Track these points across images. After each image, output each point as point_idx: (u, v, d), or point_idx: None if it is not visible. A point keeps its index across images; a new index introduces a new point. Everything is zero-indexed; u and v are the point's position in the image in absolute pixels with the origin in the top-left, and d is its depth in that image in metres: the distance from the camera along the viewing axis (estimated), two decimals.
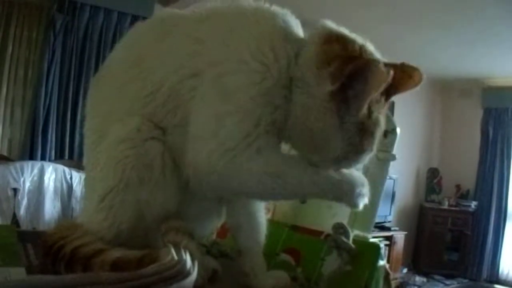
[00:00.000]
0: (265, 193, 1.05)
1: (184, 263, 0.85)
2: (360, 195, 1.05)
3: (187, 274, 0.85)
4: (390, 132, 1.44)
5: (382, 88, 0.96)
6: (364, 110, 0.98)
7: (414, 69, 1.03)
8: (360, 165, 1.08)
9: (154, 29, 1.16)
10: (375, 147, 1.04)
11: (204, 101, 1.02)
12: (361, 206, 1.06)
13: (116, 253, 0.91)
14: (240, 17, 1.07)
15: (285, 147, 1.11)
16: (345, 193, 1.04)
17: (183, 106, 1.04)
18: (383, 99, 1.03)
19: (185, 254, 0.86)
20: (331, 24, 1.04)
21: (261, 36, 1.02)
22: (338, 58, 0.97)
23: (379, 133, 1.03)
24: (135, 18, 5.05)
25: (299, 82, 1.01)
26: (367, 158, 1.05)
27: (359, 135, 1.00)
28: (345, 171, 1.05)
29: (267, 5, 1.09)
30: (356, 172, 1.07)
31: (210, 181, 1.01)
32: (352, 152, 1.01)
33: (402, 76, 1.01)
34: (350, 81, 0.95)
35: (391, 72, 0.94)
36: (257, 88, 0.98)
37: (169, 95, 1.04)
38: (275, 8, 1.08)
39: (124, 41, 1.21)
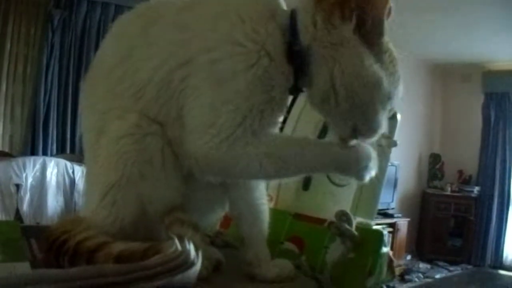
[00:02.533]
0: (269, 174, 1.06)
1: (188, 253, 0.85)
2: (366, 168, 1.07)
3: (191, 264, 0.85)
4: (390, 118, 1.44)
5: (389, 3, 1.00)
6: (385, 39, 1.03)
7: None
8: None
9: (138, 21, 1.14)
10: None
11: (198, 91, 1.02)
12: (367, 179, 1.08)
13: (120, 246, 0.91)
14: (225, 1, 1.07)
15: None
16: (350, 166, 1.06)
17: (176, 97, 1.04)
18: None
19: (189, 244, 0.86)
20: None
21: (250, 16, 1.02)
22: (337, 4, 1.01)
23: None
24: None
25: (316, 48, 1.02)
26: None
27: (392, 63, 1.05)
28: (353, 143, 1.07)
29: None
30: (364, 145, 1.08)
31: (212, 171, 1.03)
32: (393, 82, 1.04)
33: None
34: (362, 13, 0.99)
35: None
36: (254, 69, 0.99)
37: (160, 88, 1.04)
38: None
39: (110, 36, 1.19)
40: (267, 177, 1.12)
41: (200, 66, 1.01)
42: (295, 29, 1.03)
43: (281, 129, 1.20)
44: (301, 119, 1.47)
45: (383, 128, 1.08)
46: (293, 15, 1.05)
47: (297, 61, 1.04)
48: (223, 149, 0.99)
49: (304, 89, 1.09)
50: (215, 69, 1.00)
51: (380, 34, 1.02)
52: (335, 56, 1.01)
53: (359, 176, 1.07)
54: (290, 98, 1.14)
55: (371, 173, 1.08)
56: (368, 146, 1.09)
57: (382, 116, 1.06)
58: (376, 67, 1.01)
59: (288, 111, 1.24)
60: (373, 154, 1.08)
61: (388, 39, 1.04)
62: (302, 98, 1.18)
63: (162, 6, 1.14)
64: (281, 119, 1.13)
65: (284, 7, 1.09)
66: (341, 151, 1.05)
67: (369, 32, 1.00)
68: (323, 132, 1.40)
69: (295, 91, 1.09)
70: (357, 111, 1.04)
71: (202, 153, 1.00)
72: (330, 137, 1.19)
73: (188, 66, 1.02)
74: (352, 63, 1.00)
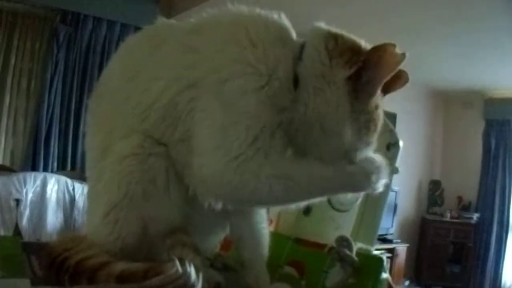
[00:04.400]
0: (278, 198, 1.04)
1: (188, 275, 0.85)
2: (378, 180, 1.05)
3: (192, 286, 0.85)
4: (393, 145, 1.45)
5: (395, 71, 0.99)
6: (373, 101, 1.02)
7: (400, 70, 1.04)
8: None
9: (146, 42, 1.15)
10: (374, 144, 1.07)
11: (206, 113, 1.01)
12: (381, 189, 1.06)
13: (121, 266, 0.91)
14: (237, 24, 1.06)
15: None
16: (360, 183, 1.05)
17: (182, 119, 1.03)
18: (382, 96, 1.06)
19: (190, 267, 0.87)
20: (325, 25, 1.08)
21: (262, 41, 1.02)
22: (351, 49, 1.01)
23: (379, 130, 1.06)
24: (138, 30, 5.04)
25: (309, 77, 1.02)
26: (368, 152, 1.06)
27: (366, 126, 1.03)
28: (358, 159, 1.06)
29: (260, 10, 1.10)
30: (370, 157, 1.07)
31: (220, 193, 1.02)
32: (360, 143, 1.03)
33: (392, 78, 1.02)
34: (364, 68, 0.99)
35: (405, 55, 0.97)
36: (265, 90, 0.99)
37: (166, 109, 1.04)
38: (271, 13, 1.10)
39: (118, 56, 1.20)
40: (276, 201, 1.09)
41: (208, 87, 1.01)
42: (299, 61, 1.04)
43: None
44: None
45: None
46: (303, 46, 1.05)
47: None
48: (232, 169, 0.97)
49: None
50: (224, 89, 0.99)
51: (370, 95, 1.02)
52: (319, 91, 1.01)
53: (373, 190, 1.05)
54: None
55: (383, 182, 1.06)
56: (375, 156, 1.07)
57: (339, 161, 1.05)
58: (344, 119, 1.01)
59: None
60: (381, 162, 1.07)
61: (379, 105, 1.04)
62: None
63: (171, 28, 1.15)
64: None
65: (294, 36, 1.10)
66: (350, 171, 1.04)
67: (360, 88, 1.00)
68: None
69: None
70: (313, 150, 1.05)
71: (210, 174, 0.99)
72: None
73: (195, 88, 1.02)
74: (326, 103, 1.00)
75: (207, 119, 1.01)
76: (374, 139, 1.06)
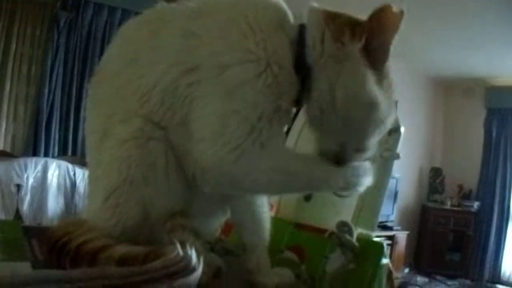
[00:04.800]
0: (277, 189, 1.08)
1: (189, 259, 0.85)
2: (363, 184, 1.08)
3: (193, 270, 0.85)
4: (394, 131, 1.44)
5: (399, 28, 1.01)
6: (388, 63, 1.05)
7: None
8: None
9: (146, 26, 1.14)
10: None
11: (206, 100, 1.01)
12: (362, 190, 1.10)
13: (122, 249, 0.91)
14: (236, 9, 1.07)
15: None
16: (351, 184, 1.07)
17: (181, 103, 1.03)
18: None
19: (191, 250, 0.87)
20: (319, 5, 1.09)
21: (260, 26, 1.02)
22: (349, 24, 1.03)
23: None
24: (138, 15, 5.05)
25: (323, 60, 1.03)
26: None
27: (390, 90, 1.05)
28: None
29: None
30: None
31: (219, 182, 1.02)
32: (390, 108, 1.05)
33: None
34: (371, 35, 1.01)
35: (403, 12, 1.00)
36: (263, 77, 0.99)
37: (165, 92, 1.04)
38: None
39: (117, 40, 1.19)
40: (274, 191, 1.12)
41: (208, 72, 1.01)
42: (303, 44, 1.04)
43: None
44: (304, 132, 1.47)
45: (371, 152, 1.09)
46: (301, 29, 1.05)
47: (302, 75, 1.04)
48: (232, 160, 0.98)
49: (304, 103, 1.09)
50: (223, 76, 0.99)
51: (385, 58, 1.03)
52: (340, 71, 1.02)
53: (356, 191, 1.10)
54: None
55: (368, 183, 1.09)
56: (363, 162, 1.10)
57: (372, 140, 1.07)
58: (376, 90, 1.01)
59: (290, 124, 1.24)
60: (368, 168, 1.10)
61: (389, 65, 1.06)
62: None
63: (170, 13, 1.15)
64: (285, 130, 1.14)
65: (292, 20, 1.10)
66: (345, 169, 1.06)
67: (375, 55, 1.01)
68: None
69: (297, 104, 1.10)
70: (349, 129, 1.04)
71: (210, 163, 0.99)
72: None
73: (195, 72, 1.02)
74: (354, 81, 1.01)
75: (207, 105, 1.01)
76: (393, 100, 1.08)
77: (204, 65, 1.02)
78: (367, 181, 1.08)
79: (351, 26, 1.02)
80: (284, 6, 1.10)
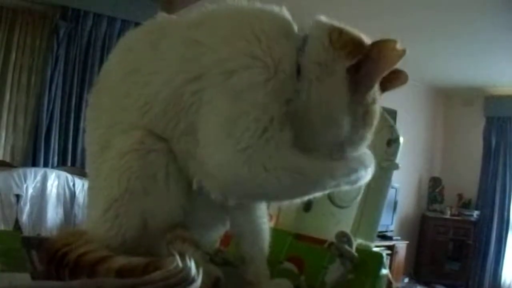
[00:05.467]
0: (285, 191, 1.05)
1: (188, 270, 0.85)
2: (370, 173, 1.10)
3: (192, 281, 0.85)
4: (393, 141, 1.45)
5: (394, 66, 1.00)
6: (370, 95, 1.03)
7: (400, 70, 1.06)
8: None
9: (146, 36, 1.14)
10: (369, 139, 1.08)
11: (212, 106, 1.00)
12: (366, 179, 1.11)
13: (121, 260, 0.91)
14: (240, 18, 1.06)
15: None
16: (359, 177, 1.08)
17: (186, 112, 1.02)
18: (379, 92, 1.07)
19: (190, 262, 0.87)
20: (327, 19, 1.08)
21: (266, 34, 1.02)
22: (353, 41, 1.02)
23: (375, 125, 1.07)
24: (138, 26, 5.06)
25: (311, 66, 1.02)
26: (363, 148, 1.09)
27: (363, 119, 1.04)
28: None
29: (261, 4, 1.10)
30: (364, 152, 1.10)
31: (227, 185, 1.00)
32: (355, 136, 1.05)
33: (390, 76, 1.04)
34: (364, 60, 0.99)
35: (405, 51, 0.98)
36: (272, 82, 0.98)
37: (168, 102, 1.03)
38: (272, 7, 1.09)
39: (117, 51, 1.19)
40: (283, 194, 1.08)
41: (214, 79, 1.00)
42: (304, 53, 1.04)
43: None
44: None
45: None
46: (304, 39, 1.05)
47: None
48: (240, 160, 0.97)
49: None
50: (231, 81, 0.98)
51: (368, 88, 1.02)
52: (321, 80, 1.01)
53: (360, 179, 1.10)
54: None
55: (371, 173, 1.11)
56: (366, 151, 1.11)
57: (328, 148, 1.07)
58: (343, 110, 1.01)
59: None
60: (372, 158, 1.12)
61: (376, 100, 1.05)
62: None
63: (171, 23, 1.15)
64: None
65: (296, 29, 1.10)
66: (352, 166, 1.07)
67: (359, 80, 1.00)
68: None
69: None
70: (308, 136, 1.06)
71: (217, 166, 0.98)
72: None
73: (200, 80, 1.01)
74: (327, 92, 1.01)
75: (214, 111, 1.00)
76: (369, 134, 1.07)
77: (210, 73, 1.01)
78: (369, 169, 1.09)
79: (355, 45, 1.02)
80: (289, 17, 1.10)
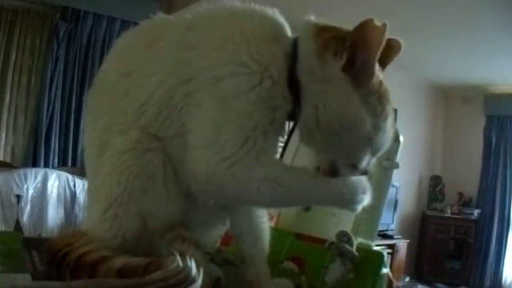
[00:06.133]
0: (264, 200, 1.07)
1: (189, 270, 0.85)
2: (360, 201, 1.07)
3: (192, 281, 0.85)
4: (393, 140, 1.45)
5: (383, 43, 0.98)
6: (376, 78, 1.02)
7: (390, 40, 1.05)
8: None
9: (142, 38, 1.15)
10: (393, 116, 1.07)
11: (201, 109, 1.02)
12: (359, 210, 1.08)
13: (121, 260, 0.91)
14: (231, 21, 1.07)
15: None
16: (346, 201, 1.07)
17: (177, 114, 1.04)
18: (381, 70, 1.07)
19: (190, 261, 0.87)
20: (314, 18, 1.08)
21: (255, 38, 1.03)
22: (335, 39, 1.02)
23: (391, 100, 1.06)
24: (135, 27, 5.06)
25: (308, 77, 1.03)
26: (391, 132, 1.08)
27: (380, 103, 1.03)
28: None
29: (256, 6, 1.10)
30: (358, 178, 1.08)
31: (210, 190, 1.03)
32: (379, 121, 1.04)
33: (384, 51, 1.02)
34: (354, 52, 0.99)
35: (386, 25, 0.96)
36: (257, 90, 0.99)
37: (161, 104, 1.04)
38: (265, 9, 1.10)
39: (114, 52, 1.20)
40: (263, 202, 1.11)
41: (204, 83, 1.02)
42: (295, 57, 1.05)
43: (281, 156, 1.20)
44: (301, 147, 1.48)
45: (365, 165, 1.08)
46: (296, 42, 1.06)
47: (295, 88, 1.05)
48: (223, 168, 0.99)
49: (300, 117, 1.09)
50: (219, 87, 1.00)
51: (370, 75, 1.01)
52: (322, 90, 1.02)
53: (352, 209, 1.08)
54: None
55: (364, 204, 1.08)
56: (363, 178, 1.09)
57: (363, 156, 1.07)
58: (358, 108, 1.01)
59: (288, 138, 1.25)
60: (367, 184, 1.09)
61: (381, 79, 1.04)
62: None
63: (167, 24, 1.15)
64: (281, 145, 1.14)
65: (289, 33, 1.10)
66: (338, 187, 1.06)
67: (358, 72, 1.00)
68: None
69: (293, 117, 1.10)
70: (336, 147, 1.05)
71: (201, 171, 1.00)
72: None
73: (191, 83, 1.03)
74: (335, 101, 1.01)
75: (202, 115, 1.02)
76: (391, 110, 1.06)
77: (200, 77, 1.02)
78: (362, 196, 1.07)
79: (337, 41, 1.01)
80: (281, 18, 1.11)
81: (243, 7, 1.10)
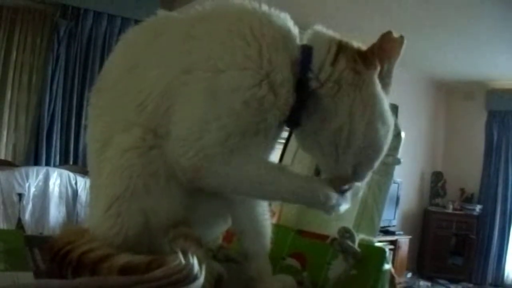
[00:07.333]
0: (245, 194, 1.12)
1: (191, 267, 0.85)
2: (337, 204, 1.07)
3: (195, 278, 0.85)
4: (395, 136, 1.45)
5: (401, 52, 1.07)
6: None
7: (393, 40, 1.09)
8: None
9: (146, 33, 1.15)
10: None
11: (191, 102, 1.02)
12: (332, 215, 1.09)
13: (124, 258, 0.91)
14: (240, 18, 1.06)
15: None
16: (320, 202, 1.06)
17: (172, 109, 1.04)
18: None
19: (193, 259, 0.87)
20: (326, 30, 1.11)
21: (265, 39, 1.02)
22: (359, 51, 1.06)
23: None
24: (138, 24, 5.04)
25: (327, 83, 1.04)
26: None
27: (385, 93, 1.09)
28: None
29: (264, 7, 1.09)
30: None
31: (194, 182, 1.03)
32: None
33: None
34: (381, 61, 1.06)
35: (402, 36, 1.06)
36: (254, 90, 0.99)
37: (161, 97, 1.04)
38: (276, 12, 1.09)
39: (118, 48, 1.20)
40: (242, 193, 1.14)
41: (202, 74, 1.01)
42: (308, 65, 1.04)
43: (281, 159, 1.21)
44: (299, 153, 1.47)
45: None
46: (305, 50, 1.05)
47: (304, 96, 1.04)
48: (205, 163, 1.00)
49: (306, 124, 1.09)
50: (216, 79, 0.99)
51: (390, 78, 1.09)
52: (357, 96, 1.03)
53: (327, 212, 1.08)
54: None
55: (343, 207, 1.09)
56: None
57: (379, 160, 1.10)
58: (387, 108, 1.07)
59: (286, 144, 1.25)
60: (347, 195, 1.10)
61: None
62: None
63: (171, 20, 1.15)
64: (272, 151, 1.15)
65: (298, 39, 1.09)
66: (313, 188, 1.06)
67: (385, 81, 1.06)
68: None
69: (293, 124, 1.10)
70: (364, 152, 1.06)
71: (185, 164, 1.01)
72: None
73: (189, 74, 1.02)
74: (374, 105, 1.04)
75: (192, 109, 1.02)
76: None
77: (199, 67, 1.02)
78: (337, 202, 1.07)
79: (364, 55, 1.05)
80: (290, 22, 1.10)
81: (253, 7, 1.09)
